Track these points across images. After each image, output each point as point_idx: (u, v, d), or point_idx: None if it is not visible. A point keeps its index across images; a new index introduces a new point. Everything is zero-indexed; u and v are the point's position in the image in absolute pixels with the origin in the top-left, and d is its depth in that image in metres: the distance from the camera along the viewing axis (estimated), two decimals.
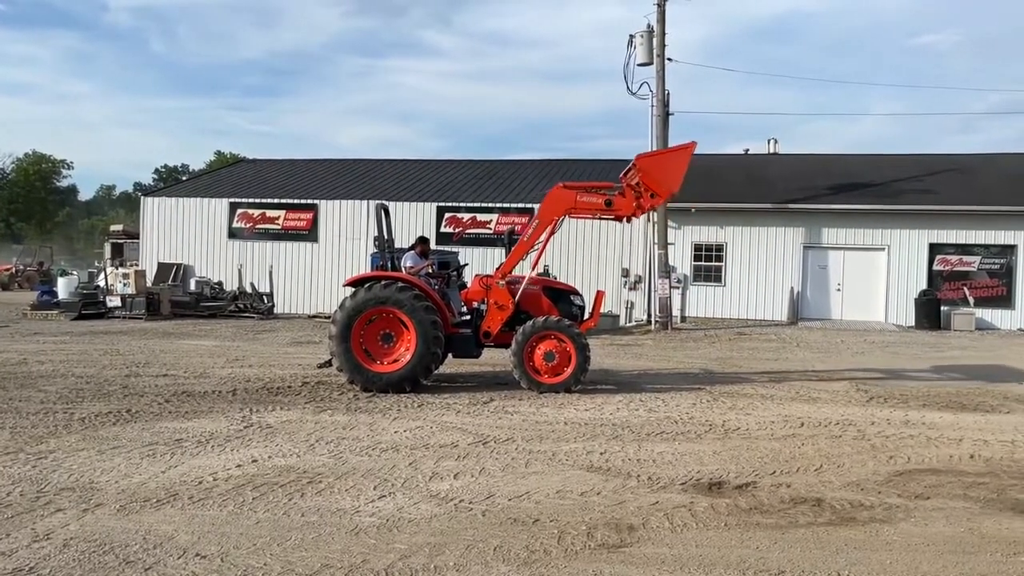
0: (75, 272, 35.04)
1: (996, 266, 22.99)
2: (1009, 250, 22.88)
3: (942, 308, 22.51)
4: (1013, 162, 27.25)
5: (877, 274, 23.53)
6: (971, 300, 22.84)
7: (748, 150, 32.18)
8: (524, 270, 11.49)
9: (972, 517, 5.46)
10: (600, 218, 11.49)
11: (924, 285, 22.99)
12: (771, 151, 31.29)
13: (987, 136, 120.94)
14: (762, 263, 23.73)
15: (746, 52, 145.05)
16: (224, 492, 5.76)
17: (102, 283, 23.76)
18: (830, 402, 10.07)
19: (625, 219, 11.50)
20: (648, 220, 23.16)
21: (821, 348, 17.21)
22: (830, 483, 6.25)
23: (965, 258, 23.11)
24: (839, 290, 23.77)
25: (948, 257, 23.19)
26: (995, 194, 23.75)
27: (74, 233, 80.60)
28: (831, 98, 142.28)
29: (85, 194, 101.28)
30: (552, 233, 11.09)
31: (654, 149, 11.24)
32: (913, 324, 22.64)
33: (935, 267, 23.19)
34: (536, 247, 11.09)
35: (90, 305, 22.52)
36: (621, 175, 11.41)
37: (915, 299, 22.79)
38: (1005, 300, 22.87)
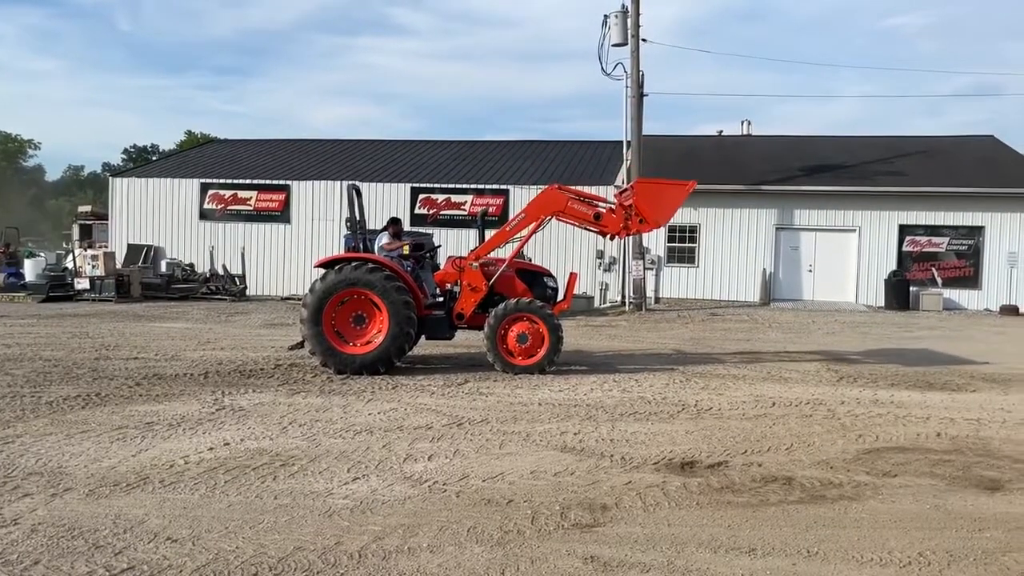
0: (42, 254, 34.48)
1: (964, 247, 23.34)
2: (976, 231, 23.23)
3: (911, 289, 22.85)
4: (981, 144, 27.64)
5: (848, 255, 23.81)
6: (939, 281, 23.17)
7: (722, 131, 32.26)
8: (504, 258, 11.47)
9: (938, 494, 5.56)
10: (584, 228, 11.38)
11: (894, 266, 23.31)
12: (745, 133, 31.43)
13: (954, 119, 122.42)
14: (735, 244, 23.91)
15: (720, 32, 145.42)
16: (196, 475, 5.71)
17: (70, 265, 23.43)
18: (801, 382, 10.18)
19: (609, 236, 11.34)
20: None
21: (792, 328, 17.39)
22: (800, 462, 6.33)
23: (934, 239, 23.44)
24: (811, 271, 24.03)
25: (917, 238, 23.51)
26: (963, 176, 24.07)
27: (41, 214, 79.13)
28: (804, 79, 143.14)
29: (52, 175, 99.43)
30: (535, 230, 11.08)
31: (654, 178, 11.06)
32: (883, 304, 22.97)
33: (904, 248, 23.52)
34: (517, 240, 11.07)
35: (58, 287, 22.20)
36: (616, 192, 11.35)
37: (885, 280, 23.12)
38: (972, 281, 23.25)
